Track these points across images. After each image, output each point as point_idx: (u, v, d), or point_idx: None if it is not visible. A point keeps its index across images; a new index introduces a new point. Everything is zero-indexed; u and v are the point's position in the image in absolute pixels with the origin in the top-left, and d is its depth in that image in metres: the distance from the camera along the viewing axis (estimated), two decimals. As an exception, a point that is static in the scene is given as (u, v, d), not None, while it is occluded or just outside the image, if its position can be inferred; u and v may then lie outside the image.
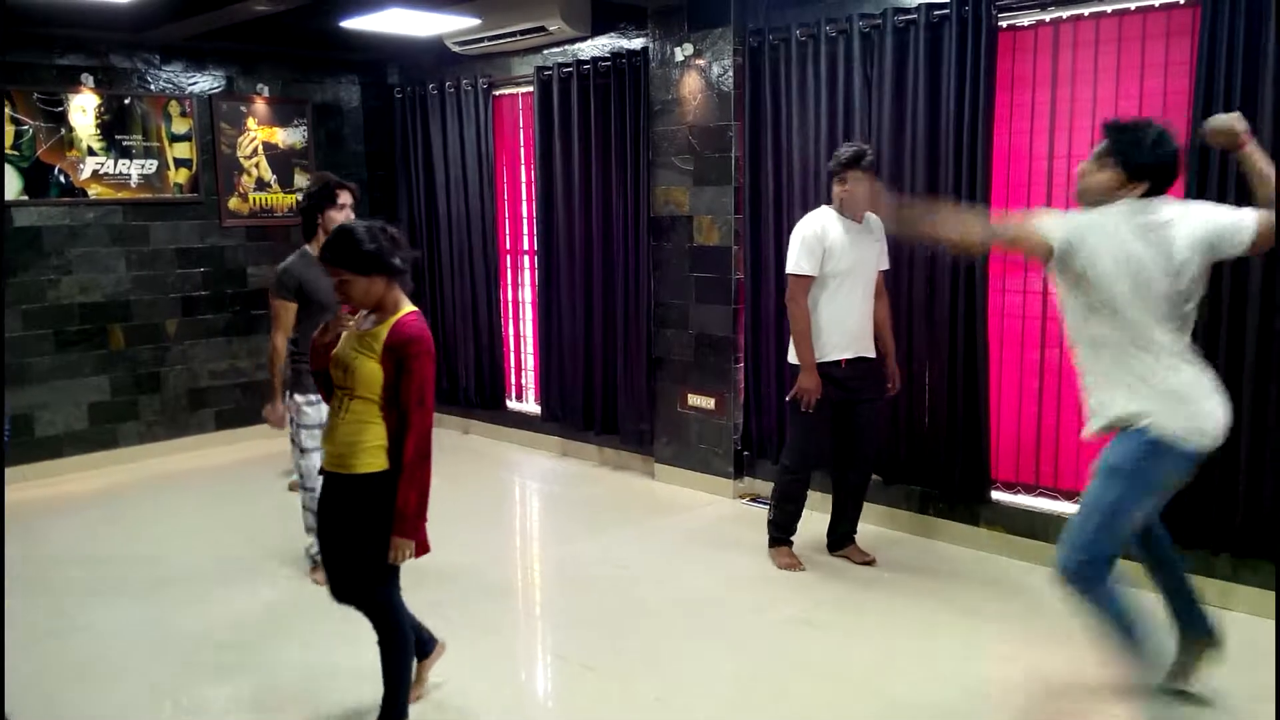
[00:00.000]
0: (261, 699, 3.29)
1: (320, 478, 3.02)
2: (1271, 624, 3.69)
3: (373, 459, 2.80)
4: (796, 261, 4.19)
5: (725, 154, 5.23)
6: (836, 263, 4.17)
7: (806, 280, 4.18)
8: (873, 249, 4.27)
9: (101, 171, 6.15)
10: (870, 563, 4.45)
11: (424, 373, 2.77)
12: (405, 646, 2.97)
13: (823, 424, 4.34)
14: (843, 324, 4.23)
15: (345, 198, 4.02)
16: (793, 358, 4.30)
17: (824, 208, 4.28)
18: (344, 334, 2.86)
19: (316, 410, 3.92)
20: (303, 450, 4.07)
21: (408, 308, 2.86)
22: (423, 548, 2.87)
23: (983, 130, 4.31)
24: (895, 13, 4.53)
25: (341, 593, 2.97)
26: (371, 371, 2.77)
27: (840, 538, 4.56)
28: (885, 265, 4.37)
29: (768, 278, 5.23)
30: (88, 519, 5.33)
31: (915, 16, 4.47)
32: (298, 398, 4.02)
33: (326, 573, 2.99)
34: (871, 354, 4.32)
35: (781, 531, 4.52)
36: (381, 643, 2.95)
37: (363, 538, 2.82)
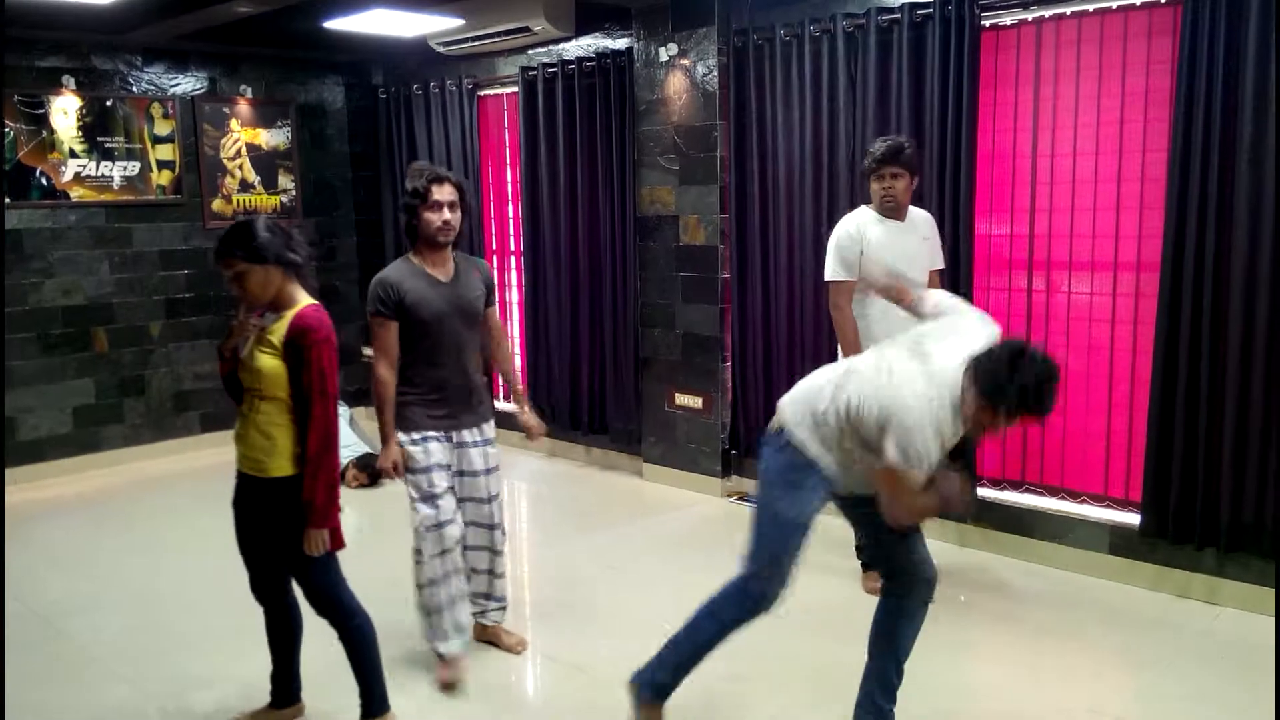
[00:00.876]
0: (249, 703, 3.27)
1: (434, 537, 3.26)
2: (1262, 618, 3.72)
3: (286, 462, 2.76)
4: (833, 268, 3.93)
5: (711, 153, 5.24)
6: (867, 265, 3.83)
7: (846, 285, 3.90)
8: (919, 248, 3.98)
9: (83, 174, 6.11)
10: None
11: (322, 362, 2.70)
12: (366, 633, 2.93)
13: None
14: (884, 329, 3.77)
15: (442, 193, 3.24)
16: None
17: (862, 208, 4.02)
18: (249, 335, 2.79)
19: (425, 451, 3.29)
20: (414, 502, 3.35)
21: (307, 300, 2.78)
22: (337, 540, 2.83)
23: (966, 129, 4.33)
24: (879, 12, 4.55)
25: (262, 591, 2.99)
26: (274, 369, 2.72)
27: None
28: (938, 264, 4.10)
29: (754, 277, 5.24)
30: (71, 523, 5.30)
31: (898, 16, 4.48)
32: (401, 437, 3.31)
33: (250, 574, 2.99)
34: None
35: (862, 555, 4.19)
36: (342, 636, 2.93)
37: (285, 541, 2.79)
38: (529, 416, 3.63)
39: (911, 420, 2.45)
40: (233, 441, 2.88)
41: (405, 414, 3.29)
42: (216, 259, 2.76)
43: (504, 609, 3.68)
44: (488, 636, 3.68)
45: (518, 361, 6.74)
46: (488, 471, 3.46)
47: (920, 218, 4.05)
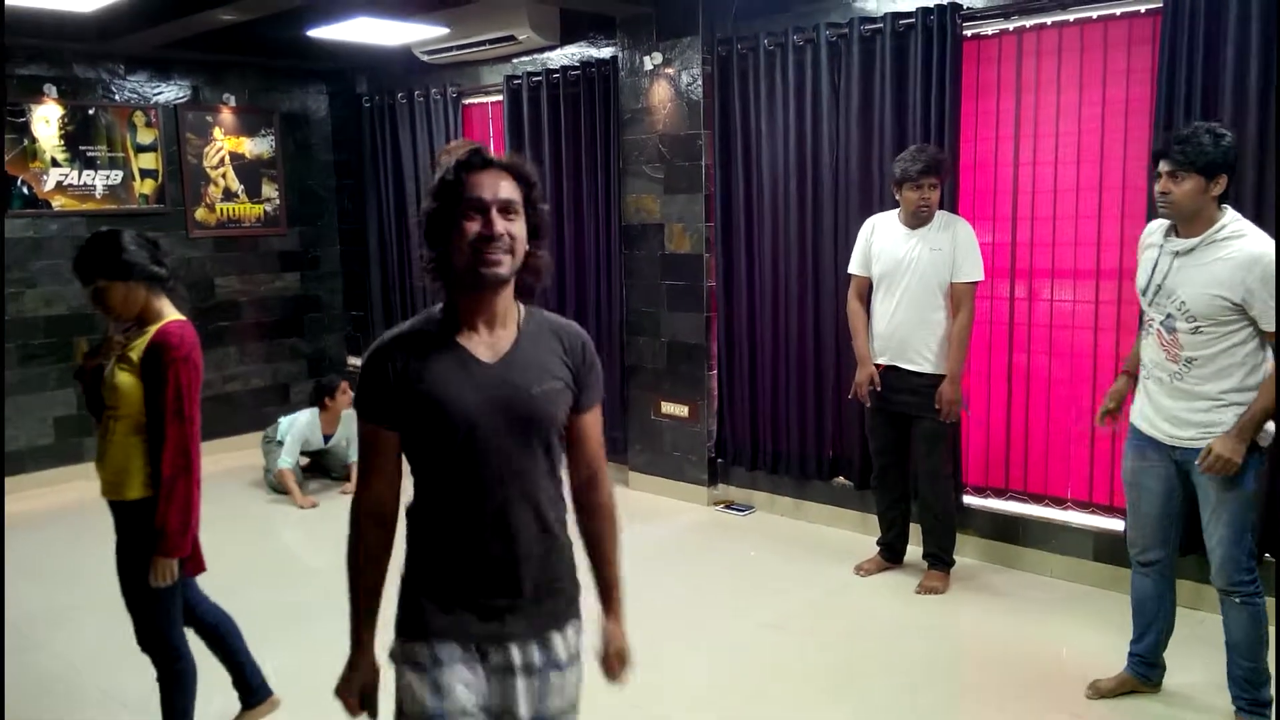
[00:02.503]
0: (224, 716, 3.24)
1: None
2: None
3: (141, 485, 2.64)
4: (851, 261, 4.31)
5: (695, 162, 5.25)
6: (880, 265, 4.15)
7: (855, 280, 4.28)
8: (926, 256, 4.03)
9: (65, 183, 6.07)
10: (933, 590, 4.19)
11: (180, 381, 2.56)
12: (186, 679, 2.81)
13: (878, 426, 4.31)
14: (878, 328, 4.19)
15: (489, 184, 1.73)
16: None
17: (894, 210, 4.19)
18: (114, 353, 2.66)
19: (432, 684, 1.77)
20: None
21: (172, 315, 2.66)
22: (196, 565, 2.74)
23: (949, 138, 4.36)
24: (862, 22, 4.57)
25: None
26: (129, 386, 2.58)
27: (895, 554, 4.43)
28: (959, 278, 4.03)
29: (739, 285, 5.25)
30: (52, 535, 5.25)
31: (881, 26, 4.51)
32: (392, 647, 1.86)
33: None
34: (913, 366, 4.09)
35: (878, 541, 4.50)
36: (161, 676, 2.80)
37: (134, 570, 2.66)
38: (615, 644, 2.05)
39: None
40: (95, 463, 2.72)
41: (404, 604, 1.84)
42: (76, 273, 2.62)
43: None
44: None
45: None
46: None
47: (939, 227, 4.08)
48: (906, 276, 4.06)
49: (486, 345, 1.76)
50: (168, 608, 2.74)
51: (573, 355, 1.85)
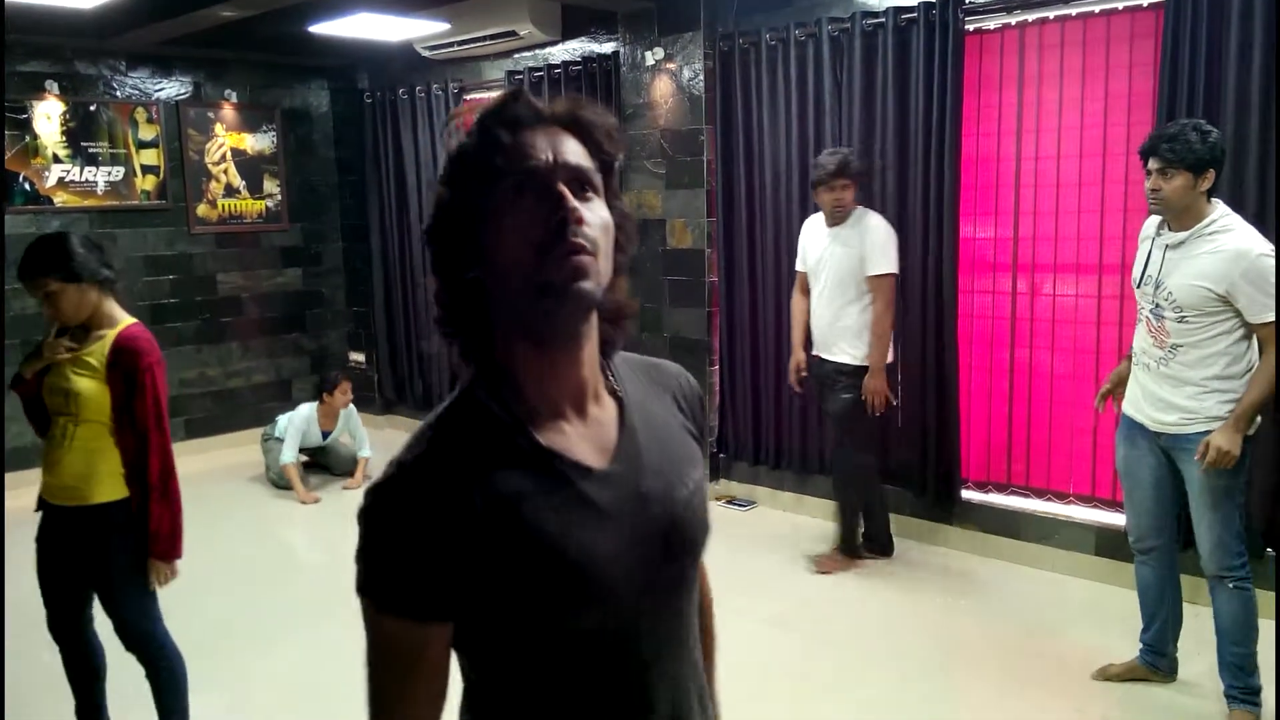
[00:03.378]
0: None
1: None
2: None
3: (112, 487, 2.62)
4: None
5: (697, 157, 5.24)
6: (808, 264, 4.43)
7: (798, 276, 4.56)
8: (840, 253, 4.24)
9: (67, 179, 6.08)
10: (824, 570, 4.41)
11: (157, 386, 2.59)
12: (177, 673, 2.81)
13: (825, 416, 4.65)
14: (811, 322, 4.47)
15: (550, 145, 1.04)
16: None
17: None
18: (61, 357, 2.60)
19: None
20: None
21: (127, 320, 2.65)
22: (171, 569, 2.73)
23: (951, 132, 4.35)
24: (864, 16, 4.56)
25: (62, 630, 2.80)
26: (94, 391, 2.57)
27: (879, 546, 4.55)
28: (869, 272, 4.19)
29: (741, 280, 5.25)
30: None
31: (883, 20, 4.50)
32: None
33: (50, 612, 2.78)
34: (835, 358, 4.32)
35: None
36: (150, 674, 2.79)
37: (113, 572, 2.65)
38: None
39: None
40: (45, 470, 2.68)
41: None
42: (23, 277, 2.57)
43: None
44: None
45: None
46: None
47: (854, 225, 4.26)
48: (825, 273, 4.32)
49: (586, 438, 1.05)
50: (152, 604, 2.77)
51: (689, 404, 1.21)
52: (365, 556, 0.98)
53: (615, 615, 1.03)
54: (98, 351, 2.59)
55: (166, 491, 2.62)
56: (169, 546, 2.65)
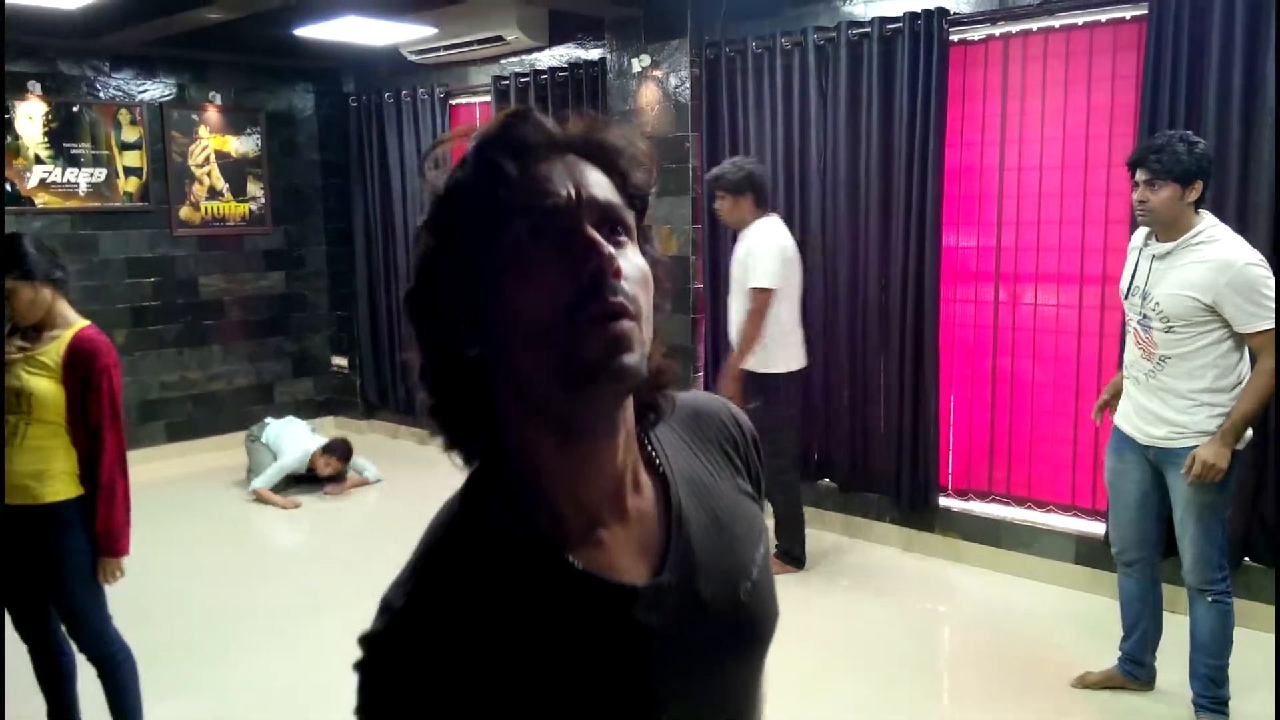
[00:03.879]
0: None
1: None
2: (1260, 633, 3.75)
3: (65, 486, 2.65)
4: None
5: (683, 164, 5.26)
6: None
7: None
8: (735, 262, 4.37)
9: (49, 180, 6.03)
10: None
11: (114, 386, 2.63)
12: (130, 670, 2.82)
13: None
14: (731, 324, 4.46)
15: (570, 178, 0.84)
16: None
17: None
18: (9, 357, 2.61)
19: None
20: None
21: (81, 321, 2.68)
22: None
23: (934, 142, 4.38)
24: (849, 26, 4.59)
25: (28, 630, 2.80)
26: (48, 392, 2.59)
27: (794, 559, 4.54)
28: (750, 283, 4.24)
29: (726, 287, 5.25)
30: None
31: (869, 30, 4.52)
32: None
33: (13, 614, 2.77)
34: (745, 365, 4.30)
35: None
36: (103, 674, 2.79)
37: (67, 570, 2.67)
38: None
39: None
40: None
41: None
42: None
43: None
44: None
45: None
46: None
47: (745, 237, 4.33)
48: (730, 283, 4.43)
49: (627, 543, 0.86)
50: (102, 603, 2.78)
51: (741, 453, 1.01)
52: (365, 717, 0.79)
53: None
54: (52, 351, 2.62)
55: (114, 490, 2.67)
56: (116, 543, 2.69)
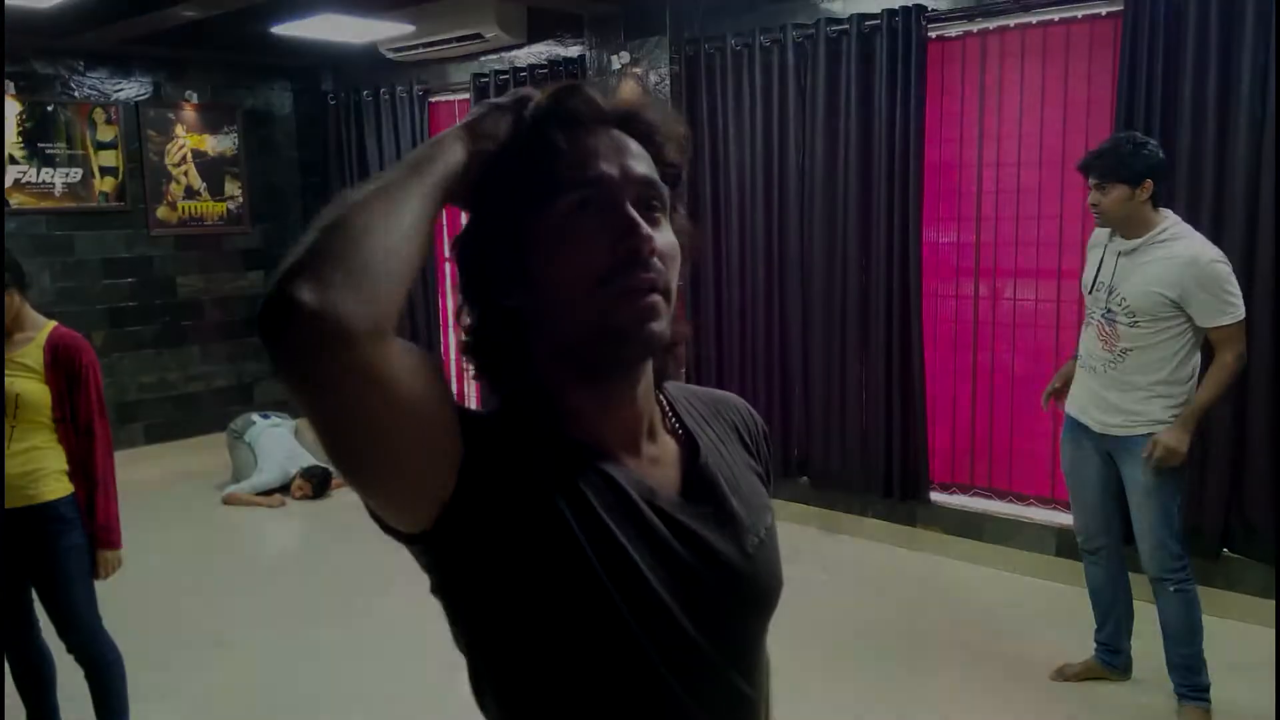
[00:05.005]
0: None
1: None
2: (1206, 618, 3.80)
3: (59, 484, 2.67)
4: None
5: (663, 161, 5.25)
6: None
7: None
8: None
9: (24, 180, 5.97)
10: None
11: (98, 380, 2.69)
12: (119, 670, 2.81)
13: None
14: None
15: (610, 151, 0.92)
16: None
17: None
18: None
19: None
20: None
21: (47, 321, 2.69)
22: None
23: (914, 138, 4.40)
24: (828, 23, 4.60)
25: (12, 633, 2.75)
26: (36, 393, 2.61)
27: None
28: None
29: (706, 285, 5.27)
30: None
31: (847, 27, 4.54)
32: None
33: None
34: None
35: None
36: (92, 672, 2.78)
37: (63, 567, 2.67)
38: None
39: None
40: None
41: None
42: None
43: None
44: None
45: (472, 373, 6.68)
46: None
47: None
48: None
49: (652, 473, 0.94)
50: (93, 600, 2.77)
51: (755, 442, 1.12)
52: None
53: (665, 676, 0.88)
54: (31, 352, 2.62)
55: (109, 484, 2.70)
56: (116, 538, 2.72)
